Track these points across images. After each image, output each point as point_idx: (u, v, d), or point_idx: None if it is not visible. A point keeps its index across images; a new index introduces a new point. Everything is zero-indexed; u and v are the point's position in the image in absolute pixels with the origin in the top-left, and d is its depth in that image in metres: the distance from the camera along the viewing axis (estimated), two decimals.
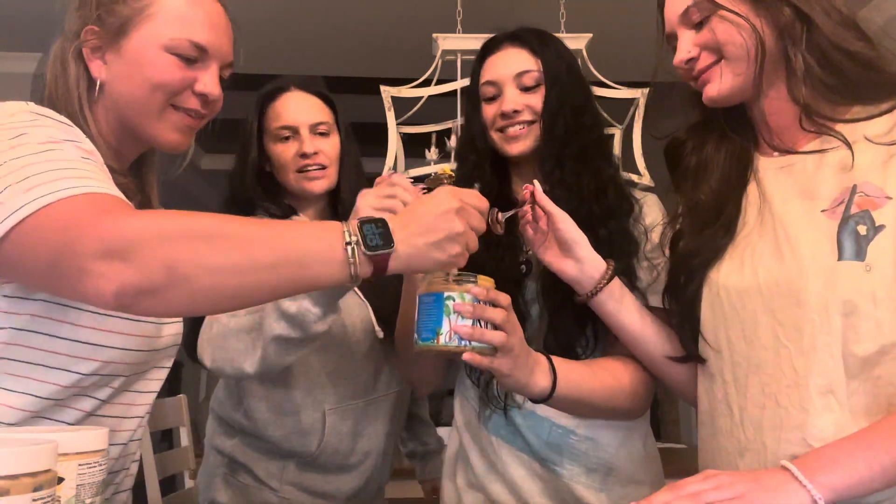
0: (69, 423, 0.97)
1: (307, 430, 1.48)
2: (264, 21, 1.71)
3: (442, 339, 0.96)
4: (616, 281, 1.14)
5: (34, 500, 0.60)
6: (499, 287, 1.21)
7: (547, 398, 1.09)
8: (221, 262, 0.79)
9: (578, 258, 1.13)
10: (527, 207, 1.15)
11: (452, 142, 2.86)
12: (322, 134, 1.53)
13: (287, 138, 1.51)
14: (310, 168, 1.51)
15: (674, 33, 1.06)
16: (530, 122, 1.26)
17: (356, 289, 1.44)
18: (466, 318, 0.96)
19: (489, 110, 1.30)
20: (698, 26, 1.02)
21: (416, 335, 0.99)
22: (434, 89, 2.82)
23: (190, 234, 0.80)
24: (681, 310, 1.08)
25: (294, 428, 1.48)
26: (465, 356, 0.96)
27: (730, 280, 1.02)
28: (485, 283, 0.99)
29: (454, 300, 0.96)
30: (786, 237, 0.97)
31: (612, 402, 1.17)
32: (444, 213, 0.88)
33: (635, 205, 1.27)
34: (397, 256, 0.86)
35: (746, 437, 0.99)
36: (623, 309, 1.14)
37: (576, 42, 2.83)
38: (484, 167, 1.30)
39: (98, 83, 1.02)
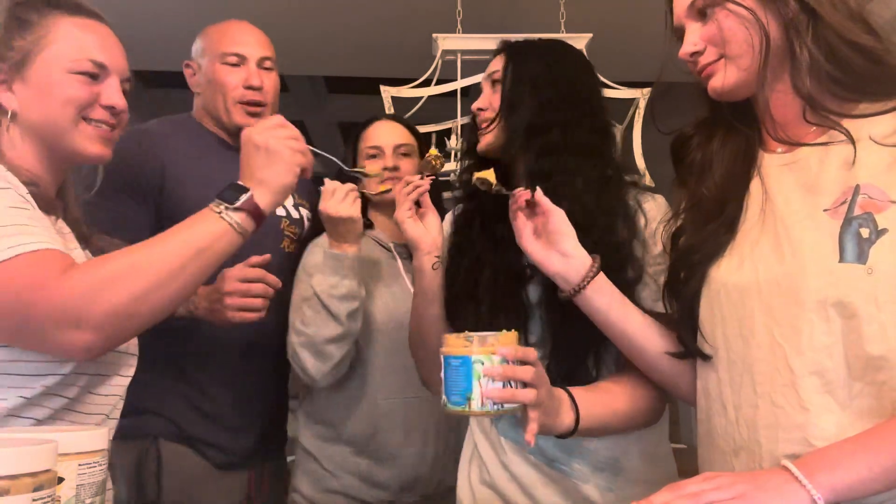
0: (39, 420, 1.03)
1: (360, 421, 1.66)
2: (265, 21, 1.73)
3: (474, 405, 0.96)
4: (602, 276, 1.12)
5: (34, 500, 0.60)
6: (501, 281, 1.23)
7: (571, 433, 1.10)
8: (146, 286, 0.98)
9: (564, 252, 1.11)
10: (520, 191, 1.14)
11: (452, 142, 2.86)
12: (405, 155, 1.79)
13: (374, 156, 1.78)
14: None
15: (682, 26, 1.05)
16: (492, 119, 1.30)
17: (412, 287, 1.59)
18: (497, 381, 0.96)
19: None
20: (704, 18, 1.02)
21: (444, 396, 0.99)
22: (434, 89, 2.82)
23: (115, 275, 0.98)
24: (680, 306, 1.08)
25: (348, 418, 1.66)
26: None
27: (729, 278, 1.01)
28: (509, 341, 0.99)
29: (483, 364, 0.96)
30: (787, 236, 0.96)
31: (633, 421, 1.20)
32: (259, 147, 1.10)
33: (641, 217, 1.24)
34: (260, 194, 1.08)
35: (741, 436, 0.98)
36: (611, 305, 1.12)
37: (576, 42, 2.82)
38: (484, 165, 1.29)
39: (10, 113, 1.10)
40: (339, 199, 1.54)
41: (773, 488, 0.83)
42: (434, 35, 2.86)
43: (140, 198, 1.60)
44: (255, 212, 1.07)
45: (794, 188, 0.99)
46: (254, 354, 1.66)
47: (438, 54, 2.85)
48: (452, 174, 1.95)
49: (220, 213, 1.05)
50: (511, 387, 0.97)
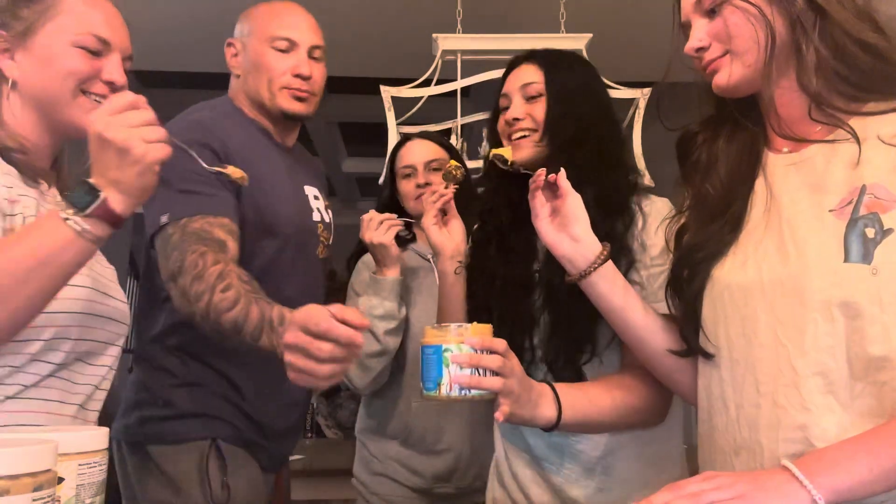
0: (25, 386, 1.05)
1: (398, 421, 1.84)
2: None
3: (444, 390, 1.03)
4: (610, 264, 1.13)
5: (34, 500, 0.60)
6: (509, 290, 1.29)
7: (553, 427, 1.14)
8: None
9: (575, 236, 1.12)
10: (540, 171, 1.15)
11: (452, 142, 2.86)
12: (435, 170, 1.88)
13: (409, 175, 1.90)
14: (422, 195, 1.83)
15: (688, 22, 1.05)
16: (532, 130, 1.32)
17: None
18: (465, 368, 1.03)
19: (501, 121, 1.37)
20: (711, 14, 1.02)
21: (421, 384, 1.06)
22: (434, 89, 2.82)
23: None
24: (683, 305, 1.08)
25: (387, 418, 1.85)
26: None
27: (733, 277, 1.01)
28: (480, 331, 1.05)
29: (451, 351, 1.03)
30: (792, 236, 0.96)
31: (624, 419, 1.21)
32: (105, 142, 0.94)
33: (638, 216, 1.27)
34: (115, 197, 0.94)
35: (742, 435, 0.98)
36: (615, 292, 1.13)
37: (576, 42, 2.83)
38: (502, 176, 1.36)
39: (11, 81, 1.11)
40: (373, 228, 1.71)
41: (773, 488, 0.83)
42: (434, 35, 2.86)
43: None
44: (108, 217, 0.95)
45: (800, 188, 0.98)
46: None
47: (438, 54, 2.85)
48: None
49: (67, 219, 0.93)
50: (478, 374, 1.03)
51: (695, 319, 1.05)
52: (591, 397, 1.19)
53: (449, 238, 1.38)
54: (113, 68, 1.14)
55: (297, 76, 1.53)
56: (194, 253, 1.25)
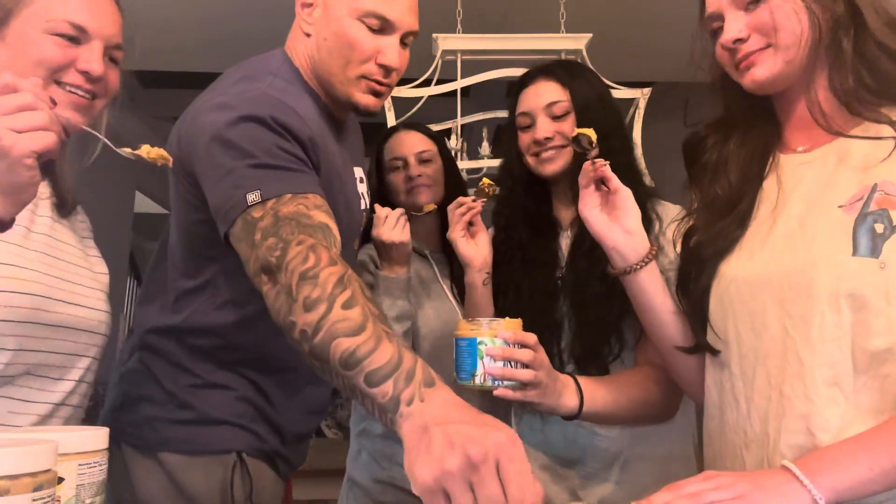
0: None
1: None
2: (264, 20, 1.73)
3: (478, 380, 1.10)
4: (653, 262, 1.15)
5: (34, 500, 0.60)
6: (535, 299, 1.34)
7: (576, 416, 1.20)
8: None
9: (628, 228, 1.13)
10: (601, 162, 1.14)
11: (452, 142, 2.86)
12: (426, 161, 1.83)
13: (398, 168, 1.83)
14: (415, 186, 1.81)
15: (718, 14, 1.04)
16: (562, 147, 1.37)
17: (449, 293, 1.77)
18: (498, 360, 1.09)
19: (524, 138, 1.41)
20: (751, 6, 1.01)
21: (455, 373, 1.12)
22: (434, 89, 2.82)
23: None
24: (691, 302, 1.09)
25: None
26: (497, 392, 1.09)
27: (740, 272, 1.02)
28: (511, 326, 1.11)
29: (486, 345, 1.09)
30: (801, 230, 0.97)
31: (639, 413, 1.26)
32: None
33: (655, 221, 1.32)
34: None
35: (753, 429, 0.99)
36: (657, 290, 1.14)
37: (576, 42, 2.83)
38: (519, 190, 1.44)
39: None
40: (391, 226, 1.61)
41: (773, 488, 0.83)
42: (434, 35, 2.86)
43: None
44: None
45: (811, 185, 1.00)
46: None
47: (438, 54, 2.85)
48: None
49: None
50: (511, 366, 1.09)
51: (702, 315, 1.06)
52: (610, 390, 1.23)
53: (477, 250, 1.40)
54: (90, 58, 1.06)
55: (382, 66, 1.24)
56: (301, 244, 0.99)
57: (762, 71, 1.01)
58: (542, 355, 1.13)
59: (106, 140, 0.96)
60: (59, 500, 0.71)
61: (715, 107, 1.13)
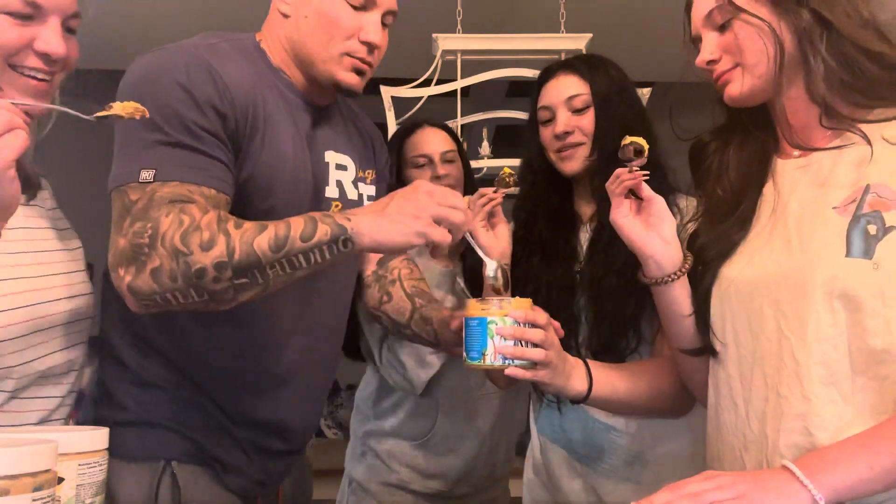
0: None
1: (424, 419, 1.75)
2: (263, 20, 1.72)
3: (488, 359, 1.09)
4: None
5: (34, 500, 0.60)
6: (554, 293, 1.34)
7: (584, 399, 1.19)
8: None
9: (666, 237, 1.11)
10: (640, 173, 1.12)
11: None
12: (449, 161, 1.83)
13: (422, 166, 1.81)
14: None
15: (699, 35, 1.09)
16: (581, 143, 1.36)
17: (462, 293, 1.74)
18: (508, 340, 1.07)
19: (545, 133, 1.41)
20: (721, 29, 1.05)
21: (465, 353, 1.11)
22: (434, 89, 2.82)
23: None
24: (693, 304, 1.09)
25: (411, 413, 1.76)
26: (508, 371, 1.07)
27: (739, 274, 1.03)
28: (521, 305, 1.09)
29: (496, 324, 1.08)
30: (797, 232, 0.98)
31: (650, 403, 1.24)
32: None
33: (676, 215, 1.28)
34: None
35: (752, 431, 0.99)
36: (686, 300, 1.12)
37: (576, 42, 2.83)
38: (541, 185, 1.44)
39: None
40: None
41: (773, 488, 0.83)
42: (434, 35, 2.86)
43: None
44: None
45: (807, 188, 1.01)
46: (306, 363, 1.28)
47: (438, 54, 2.85)
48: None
49: None
50: (521, 346, 1.08)
51: (704, 317, 1.07)
52: (622, 376, 1.22)
53: (496, 241, 1.38)
54: (49, 37, 0.96)
55: (366, 43, 1.22)
56: (170, 214, 0.98)
57: (734, 87, 1.05)
58: (552, 335, 1.12)
59: (75, 112, 0.87)
60: (59, 500, 0.71)
61: (709, 110, 1.15)
